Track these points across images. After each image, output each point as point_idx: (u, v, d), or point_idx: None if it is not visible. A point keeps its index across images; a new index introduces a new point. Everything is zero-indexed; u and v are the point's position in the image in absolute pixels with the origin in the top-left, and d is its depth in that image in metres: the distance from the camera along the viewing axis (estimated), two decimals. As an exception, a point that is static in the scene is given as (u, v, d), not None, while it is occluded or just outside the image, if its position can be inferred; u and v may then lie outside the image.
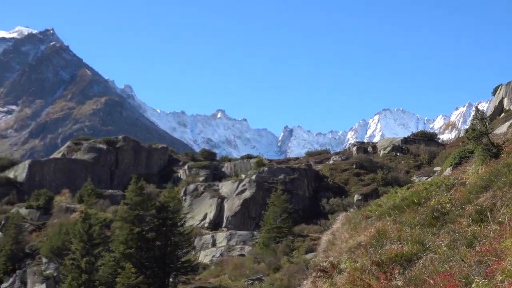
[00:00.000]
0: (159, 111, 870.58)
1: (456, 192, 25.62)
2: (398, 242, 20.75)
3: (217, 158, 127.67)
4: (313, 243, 60.07)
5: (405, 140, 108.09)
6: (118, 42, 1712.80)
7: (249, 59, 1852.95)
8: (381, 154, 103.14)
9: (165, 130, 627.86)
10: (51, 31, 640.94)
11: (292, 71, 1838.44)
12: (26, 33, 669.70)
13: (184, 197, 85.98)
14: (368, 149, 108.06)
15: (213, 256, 68.91)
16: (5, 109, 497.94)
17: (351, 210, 54.31)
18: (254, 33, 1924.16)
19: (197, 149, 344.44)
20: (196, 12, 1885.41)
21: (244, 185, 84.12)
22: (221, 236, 73.37)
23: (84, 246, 60.90)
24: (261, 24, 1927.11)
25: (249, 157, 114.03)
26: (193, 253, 68.60)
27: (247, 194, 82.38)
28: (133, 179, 62.74)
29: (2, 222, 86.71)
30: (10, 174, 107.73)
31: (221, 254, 68.43)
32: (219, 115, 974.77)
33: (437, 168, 74.17)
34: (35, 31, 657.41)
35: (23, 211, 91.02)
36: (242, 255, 66.48)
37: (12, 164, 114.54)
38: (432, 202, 25.00)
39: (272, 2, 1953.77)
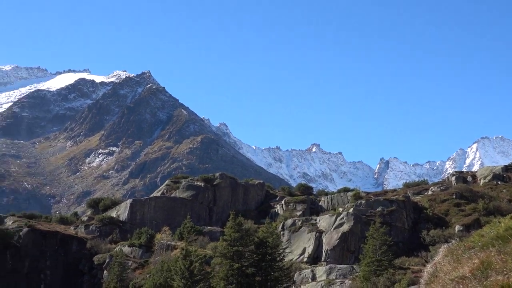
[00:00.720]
0: (254, 147, 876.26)
1: (561, 220, 24.89)
2: (504, 273, 20.32)
3: (314, 192, 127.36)
4: (415, 275, 59.08)
5: (506, 168, 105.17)
6: (211, 81, 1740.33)
7: (343, 91, 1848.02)
8: (481, 183, 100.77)
9: (261, 166, 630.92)
10: (147, 74, 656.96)
11: (386, 103, 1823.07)
12: (123, 76, 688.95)
13: (282, 232, 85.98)
14: (468, 179, 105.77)
15: (313, 291, 68.49)
16: (106, 150, 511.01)
17: (453, 241, 53.32)
18: (348, 65, 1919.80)
19: (293, 184, 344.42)
20: (287, 47, 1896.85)
21: (342, 218, 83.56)
22: (320, 270, 72.88)
23: (186, 283, 61.79)
24: (354, 56, 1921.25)
25: (345, 190, 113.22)
26: (293, 287, 68.38)
27: (345, 227, 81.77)
28: (231, 216, 63.36)
29: (107, 261, 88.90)
30: (113, 213, 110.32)
31: (321, 289, 67.94)
32: (314, 149, 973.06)
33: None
34: (132, 75, 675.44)
35: (126, 249, 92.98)
36: (343, 289, 65.84)
37: (114, 204, 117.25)
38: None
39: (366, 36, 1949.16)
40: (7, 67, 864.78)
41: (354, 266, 71.89)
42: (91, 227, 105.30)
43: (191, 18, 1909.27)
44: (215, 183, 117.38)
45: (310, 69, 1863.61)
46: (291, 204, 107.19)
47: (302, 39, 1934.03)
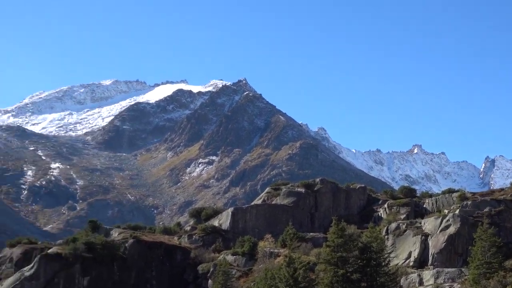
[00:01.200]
0: (354, 151, 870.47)
1: None
2: None
3: (417, 195, 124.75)
4: (527, 277, 56.97)
5: None
6: (308, 86, 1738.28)
7: (443, 89, 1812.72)
8: None
9: (362, 169, 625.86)
10: (244, 81, 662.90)
11: (490, 98, 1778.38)
12: (220, 85, 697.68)
13: (386, 236, 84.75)
14: None
15: (421, 296, 67.03)
16: (206, 160, 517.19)
17: None
18: (448, 61, 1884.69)
19: (396, 187, 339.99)
20: (381, 51, 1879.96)
21: (448, 220, 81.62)
22: (427, 275, 71.33)
23: (290, 290, 61.33)
24: (454, 51, 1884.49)
25: (450, 191, 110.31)
26: (400, 293, 67.06)
27: (451, 229, 79.84)
28: (334, 221, 62.73)
29: (211, 270, 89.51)
30: (215, 222, 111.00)
31: (430, 293, 66.43)
32: (415, 150, 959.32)
33: None
34: (228, 83, 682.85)
35: (230, 257, 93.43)
36: (452, 293, 64.18)
37: (216, 213, 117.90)
38: None
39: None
40: (107, 82, 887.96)
41: (463, 269, 70.17)
42: (194, 236, 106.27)
43: (286, 23, 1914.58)
44: (315, 188, 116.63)
45: (408, 70, 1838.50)
46: (394, 207, 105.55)
47: (398, 43, 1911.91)
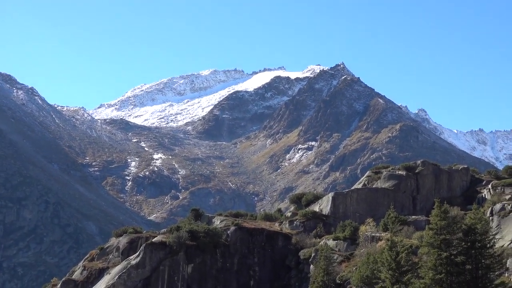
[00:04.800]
0: (456, 131, 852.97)
1: None
2: None
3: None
4: None
5: None
6: (406, 67, 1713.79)
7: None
8: None
9: (464, 150, 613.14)
10: (341, 66, 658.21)
11: None
12: (318, 70, 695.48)
13: (491, 218, 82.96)
14: None
15: (528, 278, 65.29)
16: (305, 145, 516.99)
17: None
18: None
19: (500, 167, 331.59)
20: (475, 23, 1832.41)
21: (556, 199, 79.16)
22: (535, 256, 69.40)
23: (393, 274, 61.03)
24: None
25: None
26: (506, 274, 65.59)
27: (560, 208, 77.40)
28: (436, 203, 61.85)
29: (313, 255, 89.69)
30: (316, 208, 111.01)
31: (538, 275, 64.64)
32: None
33: None
34: (326, 68, 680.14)
35: (331, 242, 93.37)
36: (561, 274, 62.28)
37: (316, 198, 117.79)
38: None
39: None
40: (206, 72, 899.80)
41: None
42: (295, 222, 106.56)
43: (382, 5, 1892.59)
44: (417, 171, 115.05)
45: (509, 45, 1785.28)
46: (498, 188, 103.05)
47: (498, 16, 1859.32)
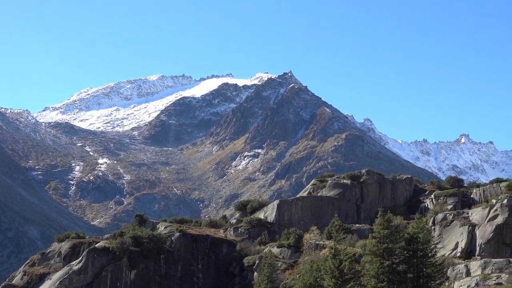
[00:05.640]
0: (400, 141, 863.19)
1: None
2: None
3: (465, 185, 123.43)
4: None
5: None
6: (353, 77, 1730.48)
7: (489, 78, 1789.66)
8: None
9: (408, 160, 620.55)
10: (289, 74, 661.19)
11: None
12: (266, 78, 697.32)
13: (433, 227, 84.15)
14: None
15: (468, 286, 66.39)
16: (252, 153, 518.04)
17: None
18: (492, 50, 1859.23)
19: (443, 177, 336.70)
20: (427, 38, 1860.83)
21: (496, 210, 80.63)
22: (475, 265, 70.62)
23: (336, 282, 61.41)
24: (497, 42, 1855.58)
25: (498, 181, 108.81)
26: (446, 283, 66.58)
27: (499, 219, 78.87)
28: (380, 212, 62.52)
29: (257, 262, 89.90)
30: (261, 215, 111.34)
31: (477, 284, 65.80)
32: (463, 140, 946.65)
33: None
34: (274, 76, 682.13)
35: (275, 250, 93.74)
36: (500, 284, 63.44)
37: (261, 205, 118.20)
38: None
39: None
40: (154, 77, 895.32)
41: (511, 259, 69.24)
42: (240, 229, 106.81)
43: (331, 16, 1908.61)
44: (361, 180, 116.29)
45: (456, 59, 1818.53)
46: (441, 198, 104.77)
47: (442, 28, 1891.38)
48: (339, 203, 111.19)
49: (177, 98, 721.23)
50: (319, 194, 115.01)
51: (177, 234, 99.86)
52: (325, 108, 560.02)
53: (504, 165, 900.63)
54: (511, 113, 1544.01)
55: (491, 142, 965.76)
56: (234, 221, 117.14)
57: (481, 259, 73.21)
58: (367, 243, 68.88)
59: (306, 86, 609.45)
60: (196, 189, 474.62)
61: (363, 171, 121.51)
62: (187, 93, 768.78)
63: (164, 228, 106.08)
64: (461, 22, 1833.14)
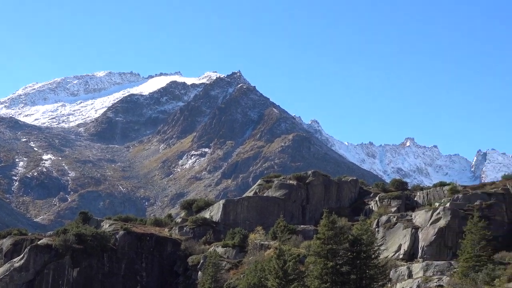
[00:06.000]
0: (346, 143, 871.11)
1: None
2: None
3: (409, 188, 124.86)
4: (516, 271, 57.16)
5: None
6: (302, 79, 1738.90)
7: (436, 84, 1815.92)
8: None
9: (354, 162, 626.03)
10: (238, 74, 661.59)
11: (481, 93, 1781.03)
12: (214, 77, 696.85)
13: (377, 229, 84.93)
14: None
15: (410, 288, 67.14)
16: (199, 152, 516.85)
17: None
18: (439, 58, 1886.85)
19: (388, 180, 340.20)
20: (375, 44, 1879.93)
21: (439, 213, 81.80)
22: (417, 267, 71.46)
23: (280, 282, 61.52)
24: (442, 50, 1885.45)
25: (442, 184, 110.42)
26: (389, 285, 67.23)
27: (442, 222, 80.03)
28: (325, 214, 62.80)
29: (201, 262, 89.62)
30: (206, 214, 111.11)
31: (418, 286, 66.62)
32: (408, 143, 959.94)
33: None
34: (222, 75, 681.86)
35: (220, 249, 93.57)
36: (440, 286, 64.37)
37: (207, 205, 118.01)
38: None
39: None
40: (101, 73, 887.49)
41: (452, 262, 70.38)
42: (185, 228, 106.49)
43: (280, 16, 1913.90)
44: (307, 181, 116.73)
45: (404, 63, 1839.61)
46: (385, 200, 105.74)
47: (392, 36, 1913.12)
48: (285, 203, 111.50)
49: (125, 95, 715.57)
50: (265, 195, 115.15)
51: (121, 232, 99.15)
52: (273, 108, 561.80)
53: (448, 169, 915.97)
54: (456, 118, 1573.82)
55: (435, 146, 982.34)
56: (179, 220, 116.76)
57: (423, 261, 74.11)
58: (312, 244, 69.17)
59: (254, 86, 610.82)
60: (142, 187, 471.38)
61: (309, 172, 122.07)
62: (135, 90, 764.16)
63: (109, 226, 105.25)
64: (402, 25, 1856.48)
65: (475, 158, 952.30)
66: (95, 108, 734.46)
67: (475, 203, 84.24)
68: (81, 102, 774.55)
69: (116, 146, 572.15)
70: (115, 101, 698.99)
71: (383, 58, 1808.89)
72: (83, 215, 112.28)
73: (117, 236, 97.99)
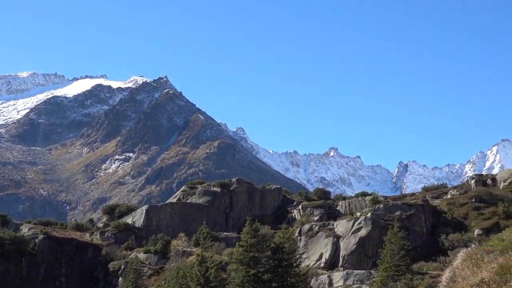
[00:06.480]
0: (271, 152, 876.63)
1: None
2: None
3: (331, 197, 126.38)
4: (433, 281, 58.39)
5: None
6: (229, 86, 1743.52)
7: (360, 95, 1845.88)
8: (501, 187, 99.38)
9: (278, 170, 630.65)
10: (164, 79, 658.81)
11: (404, 106, 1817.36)
12: (140, 82, 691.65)
13: (299, 237, 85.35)
14: (488, 182, 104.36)
15: (331, 297, 67.74)
16: (123, 156, 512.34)
17: (472, 245, 52.35)
18: (365, 70, 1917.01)
19: (311, 189, 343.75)
20: (303, 52, 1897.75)
21: (360, 223, 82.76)
22: (337, 276, 72.13)
23: (201, 290, 61.10)
24: (371, 60, 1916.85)
25: (363, 194, 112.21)
26: (310, 294, 67.56)
27: (363, 232, 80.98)
28: (248, 221, 62.75)
29: (122, 267, 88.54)
30: (129, 220, 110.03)
31: (339, 295, 67.20)
32: (332, 153, 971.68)
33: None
34: (149, 80, 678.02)
35: (142, 255, 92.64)
36: (360, 295, 65.07)
37: (130, 210, 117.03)
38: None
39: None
40: (24, 74, 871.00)
41: (372, 271, 71.16)
42: (106, 233, 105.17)
43: (208, 23, 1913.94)
44: (231, 188, 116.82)
45: (328, 73, 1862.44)
46: (308, 209, 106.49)
47: (320, 44, 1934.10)
48: (208, 210, 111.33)
49: (48, 97, 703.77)
50: (188, 201, 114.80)
51: (41, 236, 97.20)
52: (199, 115, 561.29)
53: (370, 179, 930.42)
54: (378, 129, 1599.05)
55: (358, 157, 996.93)
56: (101, 225, 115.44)
57: (343, 270, 74.86)
58: (234, 251, 69.10)
59: (181, 92, 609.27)
60: (64, 191, 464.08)
61: (234, 179, 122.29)
62: (59, 92, 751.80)
63: (28, 230, 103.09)
64: (324, 36, 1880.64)
65: (397, 169, 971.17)
66: (17, 109, 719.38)
67: (396, 214, 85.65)
68: (3, 102, 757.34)
69: (38, 148, 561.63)
70: (38, 103, 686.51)
71: (308, 68, 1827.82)
72: (1, 218, 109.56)
73: (36, 241, 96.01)
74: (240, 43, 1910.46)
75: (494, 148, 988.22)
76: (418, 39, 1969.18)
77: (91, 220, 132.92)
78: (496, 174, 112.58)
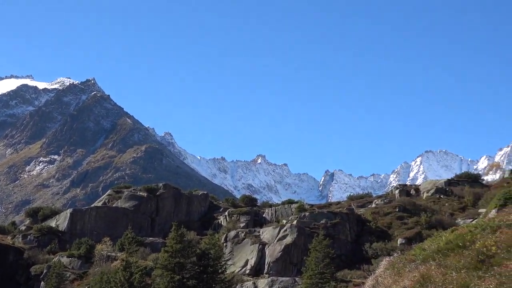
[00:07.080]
0: (199, 157, 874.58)
1: (502, 234, 24.92)
2: (443, 287, 20.08)
3: (258, 204, 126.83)
4: (356, 288, 59.11)
5: (449, 182, 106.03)
6: (157, 90, 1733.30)
7: (288, 103, 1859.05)
8: (424, 197, 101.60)
9: (206, 176, 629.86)
10: (92, 81, 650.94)
11: (331, 115, 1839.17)
12: (67, 83, 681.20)
13: (225, 244, 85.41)
14: (411, 192, 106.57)
15: (255, 303, 67.98)
16: (47, 159, 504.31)
17: (395, 254, 53.31)
18: (292, 76, 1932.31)
19: (238, 195, 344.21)
20: (230, 57, 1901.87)
21: (286, 230, 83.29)
22: (262, 283, 72.45)
23: (125, 295, 60.67)
24: (297, 67, 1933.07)
25: (290, 202, 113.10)
26: (234, 300, 67.72)
27: (288, 239, 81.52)
28: (174, 227, 62.62)
29: (44, 271, 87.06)
30: (52, 223, 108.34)
31: (263, 301, 67.49)
32: (259, 161, 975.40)
33: (482, 210, 73.02)
34: (76, 82, 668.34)
35: (65, 260, 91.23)
36: (285, 301, 65.46)
37: (54, 213, 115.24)
38: (478, 245, 24.32)
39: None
40: None
41: (297, 278, 71.64)
42: (29, 237, 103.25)
43: (135, 24, 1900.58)
44: (158, 193, 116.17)
45: (255, 79, 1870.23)
46: (234, 215, 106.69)
47: (246, 48, 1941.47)
48: (134, 215, 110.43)
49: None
50: (114, 205, 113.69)
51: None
52: (127, 118, 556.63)
53: (296, 187, 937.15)
54: (305, 138, 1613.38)
55: (285, 164, 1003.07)
56: (23, 228, 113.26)
57: (268, 277, 75.24)
58: (159, 256, 68.83)
59: (108, 95, 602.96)
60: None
61: (160, 184, 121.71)
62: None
63: None
64: (261, 47, 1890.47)
65: (323, 178, 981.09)
66: None
67: (321, 222, 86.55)
68: None
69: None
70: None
71: (235, 74, 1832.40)
72: None
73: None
74: (169, 47, 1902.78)
75: (418, 159, 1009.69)
76: (344, 41, 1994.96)
77: (13, 223, 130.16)
78: (420, 185, 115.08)
